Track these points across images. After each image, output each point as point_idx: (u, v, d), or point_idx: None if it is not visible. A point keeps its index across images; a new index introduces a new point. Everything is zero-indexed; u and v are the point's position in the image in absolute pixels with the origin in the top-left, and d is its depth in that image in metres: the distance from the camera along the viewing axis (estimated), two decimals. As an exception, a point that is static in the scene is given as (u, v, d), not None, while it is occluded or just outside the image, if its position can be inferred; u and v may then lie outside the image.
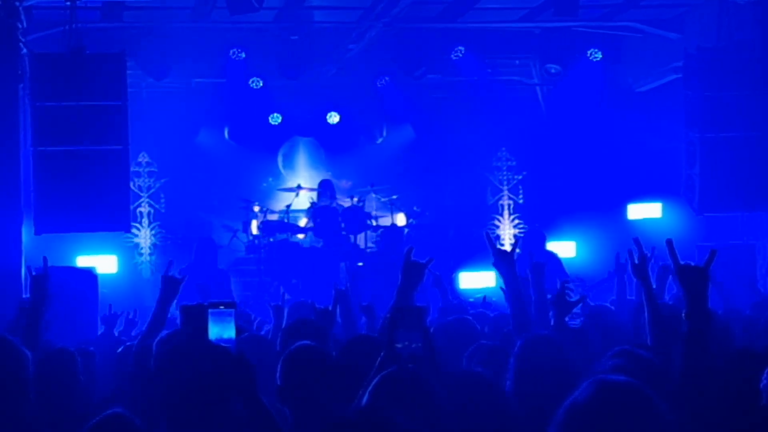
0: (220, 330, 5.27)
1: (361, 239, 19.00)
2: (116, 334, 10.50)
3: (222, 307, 5.34)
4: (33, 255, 14.52)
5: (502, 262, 7.19)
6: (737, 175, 14.79)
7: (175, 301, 7.19)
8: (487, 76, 19.08)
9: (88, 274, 14.46)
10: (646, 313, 6.35)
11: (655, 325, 6.34)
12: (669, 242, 5.38)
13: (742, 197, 14.96)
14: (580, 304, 8.54)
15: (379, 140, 21.56)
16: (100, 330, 11.46)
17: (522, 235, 20.36)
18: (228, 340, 5.27)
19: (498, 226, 21.37)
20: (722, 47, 15.02)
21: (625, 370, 4.79)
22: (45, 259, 7.43)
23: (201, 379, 4.97)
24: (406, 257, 6.46)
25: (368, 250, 18.79)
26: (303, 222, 19.21)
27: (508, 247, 7.32)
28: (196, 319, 5.26)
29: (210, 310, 5.28)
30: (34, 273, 7.31)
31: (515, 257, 7.29)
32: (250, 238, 19.10)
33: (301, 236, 19.13)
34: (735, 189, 14.86)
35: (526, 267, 8.69)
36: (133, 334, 10.53)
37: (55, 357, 6.64)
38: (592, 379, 3.39)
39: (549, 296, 7.72)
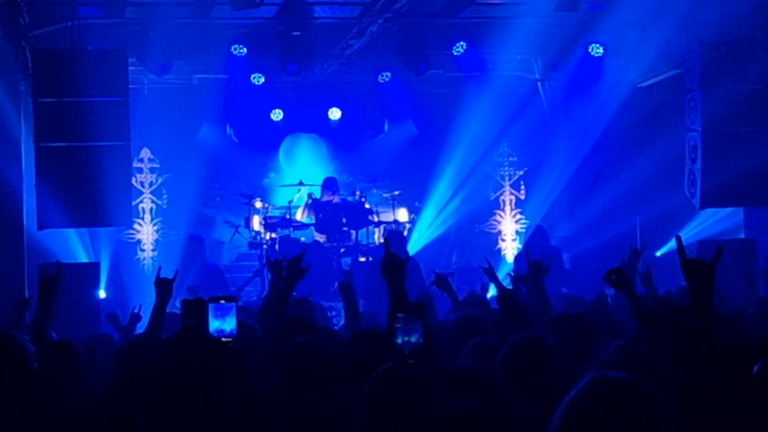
0: (221, 323, 5.30)
1: (363, 234, 19.01)
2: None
3: (223, 301, 5.37)
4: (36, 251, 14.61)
5: (506, 302, 7.23)
6: (739, 170, 14.80)
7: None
8: (488, 71, 19.06)
9: (90, 268, 14.47)
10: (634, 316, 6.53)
11: (643, 325, 6.47)
12: (678, 238, 5.40)
13: (744, 192, 14.98)
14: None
15: (381, 136, 21.56)
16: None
17: (521, 234, 20.43)
18: (229, 333, 5.30)
19: (500, 222, 21.37)
20: (724, 42, 15.02)
21: (623, 366, 4.81)
22: (58, 263, 7.58)
23: (199, 374, 4.99)
24: (384, 250, 6.42)
25: (370, 247, 18.80)
26: (299, 214, 19.21)
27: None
28: (197, 313, 5.29)
29: (211, 304, 5.31)
30: (45, 275, 7.45)
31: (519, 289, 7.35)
32: (252, 234, 19.12)
33: (303, 238, 19.14)
34: (737, 184, 14.87)
35: (524, 264, 8.74)
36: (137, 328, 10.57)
37: (58, 348, 6.67)
38: (590, 375, 3.40)
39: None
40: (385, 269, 6.27)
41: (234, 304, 5.37)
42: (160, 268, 7.81)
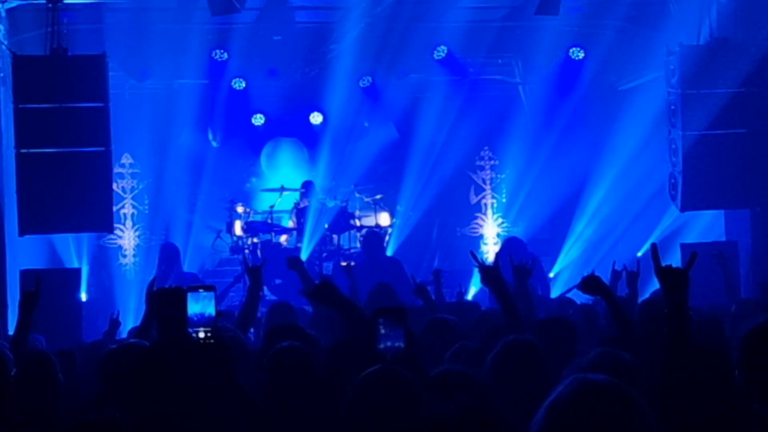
0: (200, 312, 5.32)
1: (345, 239, 18.99)
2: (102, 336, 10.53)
3: (201, 290, 5.39)
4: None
5: (489, 278, 7.23)
6: (719, 172, 14.85)
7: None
8: (469, 75, 19.08)
9: (72, 274, 14.45)
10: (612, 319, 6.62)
11: (622, 329, 6.52)
12: (653, 246, 5.44)
13: (725, 194, 15.03)
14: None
15: (362, 140, 21.51)
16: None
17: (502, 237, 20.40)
18: (208, 321, 5.31)
19: (481, 225, 21.36)
20: (704, 45, 15.07)
21: (604, 368, 4.82)
22: (38, 277, 7.58)
23: (183, 378, 4.99)
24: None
25: (352, 251, 18.78)
26: (291, 224, 19.18)
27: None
28: (175, 302, 5.30)
29: (189, 293, 5.33)
30: (25, 289, 7.48)
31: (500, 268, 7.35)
32: (234, 239, 19.08)
33: (284, 238, 19.11)
34: (717, 186, 14.92)
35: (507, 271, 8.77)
36: (117, 335, 10.57)
37: (32, 361, 6.68)
38: (572, 377, 3.39)
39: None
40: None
41: (213, 293, 5.40)
42: (153, 280, 7.74)
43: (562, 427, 3.30)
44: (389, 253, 18.21)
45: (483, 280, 7.32)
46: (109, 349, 7.73)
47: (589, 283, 6.81)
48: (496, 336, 6.67)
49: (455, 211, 21.23)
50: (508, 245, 16.04)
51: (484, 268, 7.34)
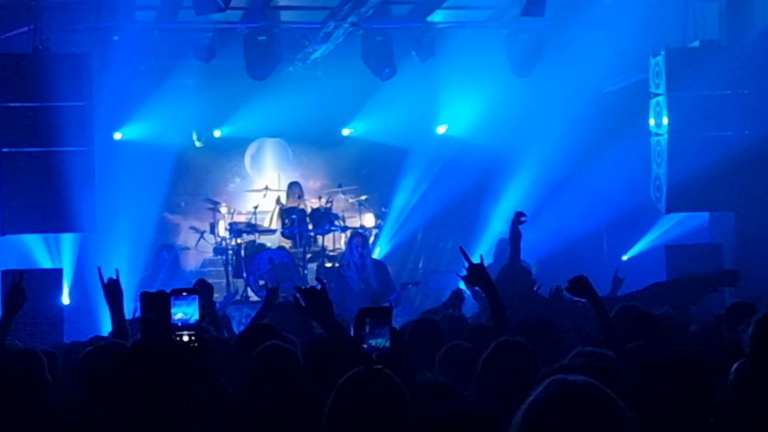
0: (184, 315, 5.29)
1: (329, 240, 18.95)
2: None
3: (185, 293, 5.37)
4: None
5: (477, 277, 7.17)
6: (704, 175, 14.86)
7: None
8: (452, 76, 19.02)
9: (54, 274, 14.36)
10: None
11: (606, 330, 6.53)
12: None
13: (709, 196, 15.05)
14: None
15: (347, 140, 21.46)
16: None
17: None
18: (192, 325, 5.29)
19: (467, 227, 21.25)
20: (689, 47, 15.08)
21: (585, 370, 4.81)
22: (22, 276, 7.50)
23: (164, 377, 4.97)
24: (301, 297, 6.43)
25: (334, 253, 18.75)
26: (267, 221, 19.12)
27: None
28: (159, 306, 5.27)
29: (173, 297, 5.31)
30: (13, 283, 7.40)
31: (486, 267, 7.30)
32: (218, 239, 19.01)
33: (268, 243, 19.05)
34: (702, 188, 14.94)
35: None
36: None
37: (20, 357, 6.62)
38: (549, 379, 3.37)
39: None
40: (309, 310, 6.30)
41: (197, 296, 5.37)
42: (99, 269, 7.51)
43: (539, 429, 3.27)
44: (375, 254, 18.20)
45: (470, 280, 7.24)
46: (90, 349, 7.69)
47: (576, 285, 6.79)
48: (484, 337, 6.64)
49: (440, 211, 21.09)
50: (501, 246, 16.01)
51: (472, 266, 7.27)
